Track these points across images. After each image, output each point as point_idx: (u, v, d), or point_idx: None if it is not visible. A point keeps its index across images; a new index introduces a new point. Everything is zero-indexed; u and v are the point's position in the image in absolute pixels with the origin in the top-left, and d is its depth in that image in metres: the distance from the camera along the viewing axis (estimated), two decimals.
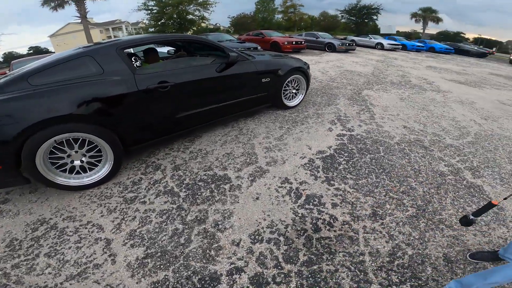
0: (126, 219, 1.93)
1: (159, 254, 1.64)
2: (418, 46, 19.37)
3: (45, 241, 1.77)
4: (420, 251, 1.65)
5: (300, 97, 4.05)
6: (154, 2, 20.60)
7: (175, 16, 20.53)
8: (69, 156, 2.09)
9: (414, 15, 39.02)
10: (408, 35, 39.25)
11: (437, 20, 38.91)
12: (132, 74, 2.29)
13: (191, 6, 20.96)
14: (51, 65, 2.08)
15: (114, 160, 2.28)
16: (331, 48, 13.48)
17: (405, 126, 3.55)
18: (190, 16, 21.51)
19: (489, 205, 1.12)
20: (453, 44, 22.74)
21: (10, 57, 63.14)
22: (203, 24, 23.99)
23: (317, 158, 2.68)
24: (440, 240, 1.74)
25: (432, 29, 42.19)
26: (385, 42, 17.62)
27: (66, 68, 2.10)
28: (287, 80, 3.63)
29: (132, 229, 1.83)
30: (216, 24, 49.55)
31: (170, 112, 2.57)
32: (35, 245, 1.75)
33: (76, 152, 2.10)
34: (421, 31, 40.76)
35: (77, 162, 2.14)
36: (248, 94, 3.22)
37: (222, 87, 2.94)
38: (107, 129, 2.16)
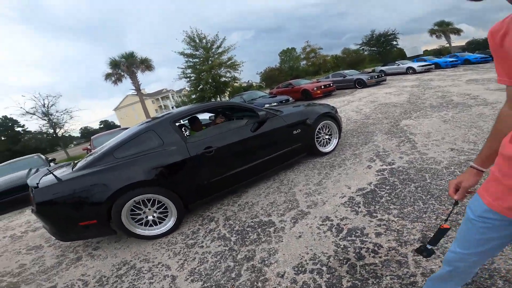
0: (187, 260, 2.31)
1: (213, 287, 1.92)
2: (452, 61, 18.44)
3: (126, 278, 2.26)
4: (486, 266, 1.54)
5: (334, 142, 4.17)
6: (191, 70, 22.76)
7: (210, 80, 22.27)
8: (144, 212, 2.66)
9: (432, 31, 38.00)
10: (438, 52, 37.65)
11: (457, 31, 37.29)
12: (184, 143, 2.83)
13: (222, 69, 22.67)
14: (127, 140, 2.76)
15: (177, 215, 2.78)
16: (361, 84, 13.60)
17: (452, 149, 3.36)
18: (223, 79, 23.19)
19: (441, 231, 1.01)
20: (488, 51, 21.29)
21: (86, 132, 75.03)
22: (236, 84, 25.71)
23: (357, 195, 2.72)
24: (510, 253, 1.60)
25: (459, 40, 39.99)
26: (415, 65, 17.26)
27: (138, 142, 2.76)
28: (318, 128, 3.84)
29: (193, 268, 2.18)
30: (248, 81, 53.20)
31: (216, 172, 2.98)
32: (118, 281, 2.25)
33: (149, 209, 2.67)
34: (448, 45, 39.00)
35: (150, 217, 2.71)
36: (282, 147, 3.49)
37: (258, 144, 3.29)
38: (170, 190, 2.68)
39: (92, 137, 9.28)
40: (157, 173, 2.61)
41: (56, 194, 2.34)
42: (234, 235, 2.50)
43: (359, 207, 2.50)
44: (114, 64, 22.20)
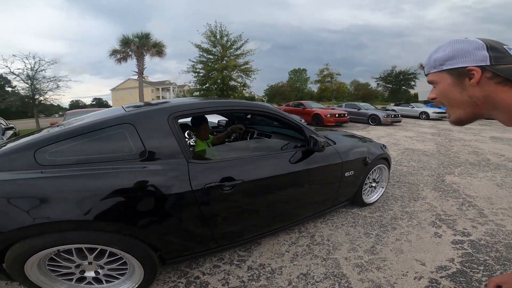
0: None
1: None
2: None
3: None
4: None
5: (380, 191, 3.17)
6: (202, 65, 21.25)
7: (219, 81, 20.94)
8: (78, 266, 1.50)
9: None
10: None
11: None
12: (186, 162, 1.61)
13: (235, 72, 21.25)
14: (75, 133, 1.48)
15: (143, 279, 1.62)
16: (375, 120, 12.77)
17: None
18: (233, 82, 21.85)
19: None
20: None
21: (76, 105, 71.72)
22: (244, 91, 23.99)
23: (440, 277, 1.91)
24: None
25: None
26: (430, 110, 16.52)
27: (96, 140, 1.50)
28: (370, 171, 2.86)
29: None
30: (251, 92, 51.13)
31: (231, 221, 1.87)
32: None
33: (90, 263, 1.49)
34: None
35: (89, 274, 1.56)
36: (327, 193, 2.45)
37: (299, 184, 2.17)
38: (139, 241, 1.51)
39: (66, 112, 8.08)
40: (116, 211, 1.41)
41: None
42: None
43: None
44: (125, 42, 20.64)
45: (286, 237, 2.48)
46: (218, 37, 20.42)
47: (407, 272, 2.00)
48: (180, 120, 1.97)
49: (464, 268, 2.03)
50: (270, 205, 2.05)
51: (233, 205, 1.82)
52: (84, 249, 1.45)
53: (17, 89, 17.68)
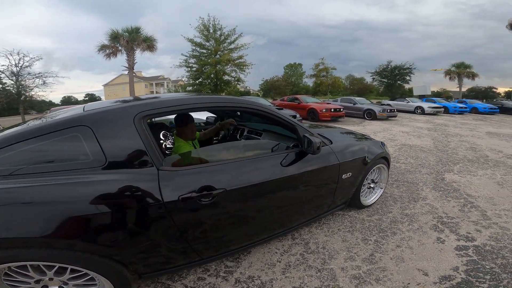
0: None
1: None
2: (461, 107, 17.93)
3: None
4: None
5: (379, 192, 2.98)
6: (195, 60, 20.74)
7: (212, 75, 20.45)
8: (39, 281, 1.30)
9: (448, 72, 34.71)
10: (437, 95, 36.73)
11: (473, 75, 34.10)
12: (156, 170, 1.39)
13: (228, 66, 20.75)
14: (21, 137, 1.25)
15: None
16: (370, 115, 12.65)
17: None
18: (226, 77, 21.35)
19: None
20: (496, 102, 21.63)
21: (68, 101, 69.75)
22: (238, 86, 23.45)
23: None
24: None
25: (463, 86, 37.20)
26: (425, 105, 16.51)
27: (45, 145, 1.27)
28: (369, 172, 2.65)
29: None
30: (246, 87, 50.31)
31: (211, 233, 1.66)
32: None
33: (51, 279, 1.29)
34: (456, 89, 36.34)
35: None
36: (322, 198, 2.24)
37: (291, 189, 1.94)
38: (101, 257, 1.30)
39: (52, 109, 7.99)
40: (67, 228, 1.19)
41: None
42: None
43: None
44: (114, 36, 19.80)
45: (278, 244, 2.28)
46: (211, 31, 19.90)
47: (409, 283, 1.84)
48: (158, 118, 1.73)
49: (470, 278, 1.88)
50: (258, 213, 1.84)
51: (215, 216, 1.60)
52: (41, 266, 1.25)
53: (8, 86, 17.13)
